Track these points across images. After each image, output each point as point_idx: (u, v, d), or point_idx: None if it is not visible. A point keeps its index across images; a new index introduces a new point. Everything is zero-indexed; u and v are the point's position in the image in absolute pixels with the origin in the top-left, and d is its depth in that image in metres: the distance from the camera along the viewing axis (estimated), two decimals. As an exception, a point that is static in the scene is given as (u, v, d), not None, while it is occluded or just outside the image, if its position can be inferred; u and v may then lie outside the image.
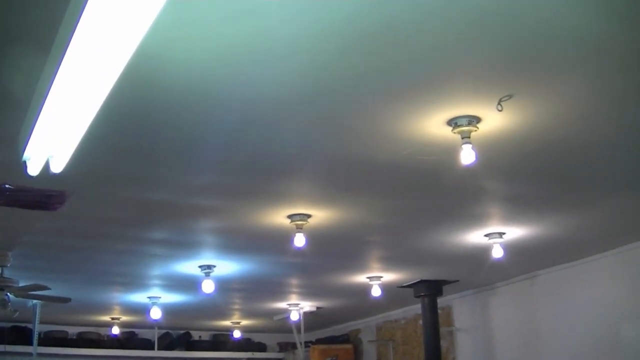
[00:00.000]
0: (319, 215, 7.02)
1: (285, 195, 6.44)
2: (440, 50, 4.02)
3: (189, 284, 9.89)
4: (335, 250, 8.69)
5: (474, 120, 4.87)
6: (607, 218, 7.74)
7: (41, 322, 10.10)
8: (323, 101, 4.58)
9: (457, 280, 10.60)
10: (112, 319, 13.08)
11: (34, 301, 9.08)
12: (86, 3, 2.65)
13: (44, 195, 5.97)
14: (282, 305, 12.41)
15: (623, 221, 7.93)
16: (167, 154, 5.37)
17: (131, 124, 4.80)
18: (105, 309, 12.36)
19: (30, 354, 10.76)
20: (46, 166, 4.32)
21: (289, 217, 7.01)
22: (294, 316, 12.59)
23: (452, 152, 5.15)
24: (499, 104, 4.65)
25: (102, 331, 13.73)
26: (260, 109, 4.63)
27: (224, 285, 9.91)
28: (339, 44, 3.89)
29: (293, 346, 14.31)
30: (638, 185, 6.65)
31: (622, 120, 5.15)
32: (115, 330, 13.51)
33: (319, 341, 14.59)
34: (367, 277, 10.23)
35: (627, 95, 4.76)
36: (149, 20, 2.79)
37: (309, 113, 4.74)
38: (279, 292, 11.47)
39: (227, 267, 9.25)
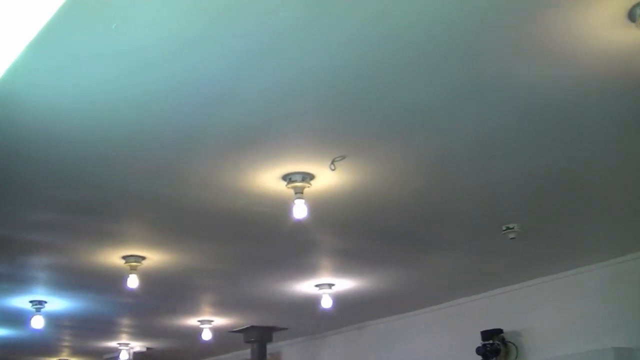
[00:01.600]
0: (154, 258, 7.02)
1: (120, 237, 6.43)
2: (277, 110, 4.17)
3: (18, 318, 9.61)
4: (168, 292, 8.67)
5: (308, 177, 5.05)
6: (430, 275, 8.10)
7: None
8: (161, 150, 4.64)
9: (287, 328, 10.72)
10: None
11: None
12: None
13: None
14: (112, 344, 12.19)
15: (446, 279, 8.32)
16: (4, 187, 5.29)
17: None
18: None
19: None
20: None
21: (123, 257, 6.97)
22: (124, 356, 12.38)
23: (285, 205, 5.28)
24: (332, 163, 4.84)
25: None
26: (96, 150, 4.64)
27: (54, 321, 9.70)
28: (179, 100, 3.99)
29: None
30: (458, 245, 7.02)
31: (446, 184, 5.47)
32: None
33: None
34: (199, 321, 10.21)
35: (450, 162, 5.08)
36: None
37: (146, 160, 4.79)
38: (110, 331, 11.27)
39: (59, 303, 9.05)
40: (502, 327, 8.67)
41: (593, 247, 7.56)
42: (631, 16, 3.49)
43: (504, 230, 6.51)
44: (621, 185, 5.79)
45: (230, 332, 10.82)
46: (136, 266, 7.02)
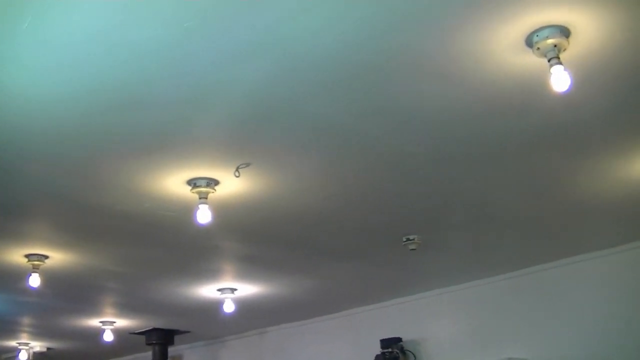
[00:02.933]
0: (57, 257, 6.89)
1: (23, 235, 6.29)
2: (184, 116, 4.17)
3: None
4: (70, 293, 8.50)
5: (213, 182, 5.05)
6: (331, 283, 8.19)
7: None
8: (67, 150, 4.56)
9: (189, 331, 10.67)
10: None
11: None
12: None
13: None
14: (11, 343, 11.90)
15: (346, 287, 8.42)
16: None
17: None
18: None
19: None
20: None
21: (26, 256, 6.82)
22: (23, 356, 12.11)
23: (190, 209, 5.28)
24: (237, 170, 4.87)
25: None
26: (1, 149, 4.54)
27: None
28: (87, 102, 3.95)
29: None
30: (359, 255, 7.12)
31: (346, 195, 5.55)
32: None
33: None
34: (100, 322, 10.06)
35: (351, 173, 5.16)
36: None
37: (52, 159, 4.70)
38: (9, 330, 10.98)
39: (-45, 301, 8.82)
40: (401, 336, 8.82)
41: (489, 261, 7.75)
42: (529, 42, 3.63)
43: (404, 242, 6.62)
44: (519, 202, 5.96)
45: (131, 334, 10.71)
46: (39, 265, 6.87)
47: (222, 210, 5.50)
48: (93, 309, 9.41)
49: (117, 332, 10.37)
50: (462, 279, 8.43)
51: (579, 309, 7.61)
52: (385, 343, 8.74)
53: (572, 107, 4.35)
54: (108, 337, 10.30)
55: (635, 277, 7.29)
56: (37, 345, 12.03)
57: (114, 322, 10.10)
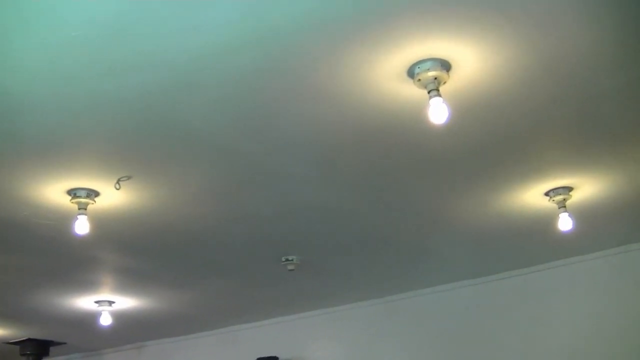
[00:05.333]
0: None
1: None
2: (66, 125, 4.04)
3: None
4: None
5: (93, 193, 4.92)
6: (210, 300, 8.11)
7: None
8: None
9: (65, 343, 10.36)
10: None
11: None
12: None
13: None
14: None
15: (225, 304, 8.35)
16: None
17: None
18: None
19: None
20: None
21: None
22: None
23: (68, 220, 5.12)
24: (117, 182, 4.76)
25: None
26: None
27: None
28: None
29: None
30: (238, 273, 7.07)
31: (226, 213, 5.52)
32: None
33: None
34: (-28, 330, 9.68)
35: (232, 191, 5.13)
36: None
37: None
38: None
39: None
40: (277, 355, 8.78)
41: (368, 284, 7.81)
42: (410, 73, 3.67)
43: (283, 262, 6.60)
44: (399, 228, 6.02)
45: (5, 343, 10.33)
46: None
47: (101, 222, 5.37)
48: (-35, 317, 9.05)
49: (-10, 341, 9.99)
50: (341, 301, 8.46)
51: (449, 334, 7.79)
52: (262, 361, 8.71)
53: (451, 138, 4.43)
54: (-20, 345, 9.91)
55: (499, 306, 7.51)
56: None
57: (-12, 331, 9.72)
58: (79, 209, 4.95)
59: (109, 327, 8.52)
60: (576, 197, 5.50)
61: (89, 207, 4.98)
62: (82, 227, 4.98)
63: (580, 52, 3.62)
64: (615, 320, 6.81)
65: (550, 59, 3.65)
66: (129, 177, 4.73)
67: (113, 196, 4.99)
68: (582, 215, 5.84)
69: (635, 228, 6.48)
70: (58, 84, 3.61)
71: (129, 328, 9.25)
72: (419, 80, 3.64)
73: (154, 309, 8.32)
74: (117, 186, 4.80)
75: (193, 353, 9.84)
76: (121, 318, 8.54)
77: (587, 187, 5.39)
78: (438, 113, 3.67)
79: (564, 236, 6.06)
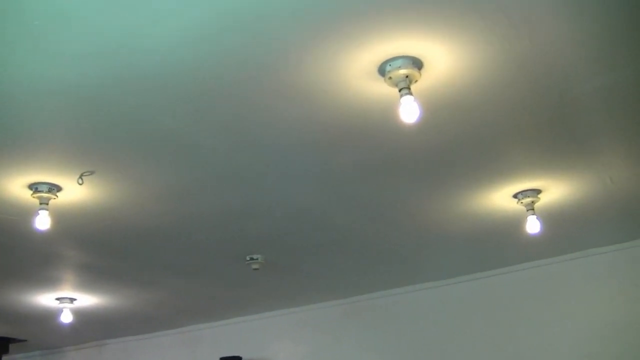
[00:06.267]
0: None
1: None
2: (28, 119, 3.92)
3: None
4: None
5: (55, 188, 4.79)
6: (172, 299, 8.03)
7: None
8: None
9: (25, 340, 10.19)
10: None
11: None
12: None
13: None
14: None
15: (187, 303, 8.28)
16: None
17: None
18: None
19: None
20: None
21: None
22: None
23: (29, 215, 5.00)
24: (80, 177, 4.64)
25: None
26: None
27: None
28: None
29: None
30: (201, 272, 6.99)
31: (189, 212, 5.43)
32: None
33: None
34: None
35: (195, 190, 5.03)
36: None
37: None
38: None
39: None
40: (241, 355, 8.74)
41: (333, 285, 7.76)
42: (381, 71, 3.60)
43: (248, 261, 6.52)
44: (366, 228, 5.98)
45: (-36, 340, 10.16)
46: None
47: (63, 217, 5.25)
48: None
49: (-52, 338, 9.79)
50: (305, 301, 8.41)
51: (414, 335, 7.79)
52: (225, 361, 8.64)
53: (421, 138, 4.37)
54: (-62, 342, 9.71)
55: (464, 308, 7.49)
56: None
57: (-54, 327, 9.53)
58: (41, 203, 4.82)
59: (70, 324, 8.39)
60: (544, 199, 5.48)
61: (51, 202, 4.85)
62: (43, 222, 4.85)
63: (554, 56, 3.59)
64: (577, 323, 6.83)
65: (524, 61, 3.60)
66: (92, 172, 4.61)
67: (76, 191, 4.87)
68: (550, 218, 5.82)
69: (602, 233, 6.48)
70: (18, 76, 3.49)
71: (91, 326, 9.12)
72: (390, 78, 3.57)
73: (115, 306, 8.20)
74: (80, 181, 4.68)
75: (155, 352, 9.74)
76: (82, 316, 8.42)
77: (555, 190, 5.37)
78: (409, 112, 3.60)
79: (532, 239, 6.04)
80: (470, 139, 4.45)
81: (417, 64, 3.54)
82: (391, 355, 7.85)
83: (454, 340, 7.51)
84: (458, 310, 7.60)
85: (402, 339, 7.84)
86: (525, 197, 5.37)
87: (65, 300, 7.84)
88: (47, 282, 7.23)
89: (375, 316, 8.09)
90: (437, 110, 4.01)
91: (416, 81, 3.61)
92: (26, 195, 4.87)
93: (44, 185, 4.78)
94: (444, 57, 3.51)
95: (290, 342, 8.61)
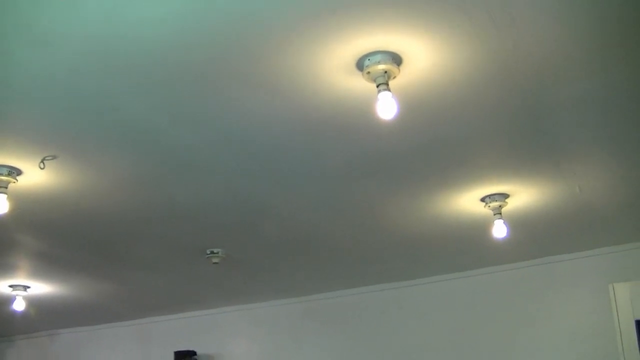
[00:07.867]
0: None
1: None
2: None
3: None
4: None
5: (15, 171, 4.64)
6: (126, 291, 7.92)
7: None
8: None
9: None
10: None
11: None
12: None
13: None
14: None
15: (143, 296, 8.18)
16: None
17: None
18: None
19: None
20: None
21: None
22: None
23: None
24: (42, 162, 4.50)
25: None
26: None
27: None
28: None
29: None
30: (159, 264, 6.88)
31: (149, 203, 5.31)
32: None
33: None
34: None
35: (156, 181, 4.92)
36: None
37: None
38: None
39: None
40: (195, 349, 8.62)
41: (291, 283, 7.70)
42: (359, 66, 3.52)
43: (208, 254, 6.42)
44: (331, 226, 5.92)
45: None
46: None
47: (21, 202, 5.08)
48: None
49: None
50: (262, 297, 8.34)
51: (374, 336, 7.75)
52: (179, 355, 8.52)
53: (394, 136, 4.31)
54: None
55: (424, 309, 7.46)
56: None
57: None
58: (-1, 187, 4.68)
59: (22, 312, 8.20)
60: (512, 204, 5.45)
61: (10, 185, 4.70)
62: (1, 206, 4.71)
63: (534, 61, 3.53)
64: (539, 330, 6.84)
65: (504, 63, 3.54)
66: (54, 157, 4.47)
67: (37, 176, 4.72)
68: (517, 223, 5.80)
69: (567, 240, 6.48)
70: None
71: (43, 314, 8.93)
72: (368, 73, 3.49)
73: (69, 296, 8.03)
74: (42, 165, 4.54)
75: (107, 343, 9.58)
76: (35, 304, 8.24)
77: (523, 196, 5.35)
78: (386, 108, 3.53)
79: (498, 243, 6.03)
80: (441, 139, 4.38)
81: (397, 59, 3.46)
82: (350, 356, 7.80)
83: (413, 342, 7.49)
84: (418, 312, 7.58)
85: (362, 339, 7.80)
86: (493, 201, 5.34)
87: (18, 288, 7.66)
88: (1, 268, 7.06)
89: (334, 316, 8.04)
90: (411, 108, 3.93)
91: (394, 77, 3.54)
92: (-13, 181, 4.72)
93: (4, 168, 4.62)
94: (425, 54, 3.44)
95: (246, 339, 8.54)
